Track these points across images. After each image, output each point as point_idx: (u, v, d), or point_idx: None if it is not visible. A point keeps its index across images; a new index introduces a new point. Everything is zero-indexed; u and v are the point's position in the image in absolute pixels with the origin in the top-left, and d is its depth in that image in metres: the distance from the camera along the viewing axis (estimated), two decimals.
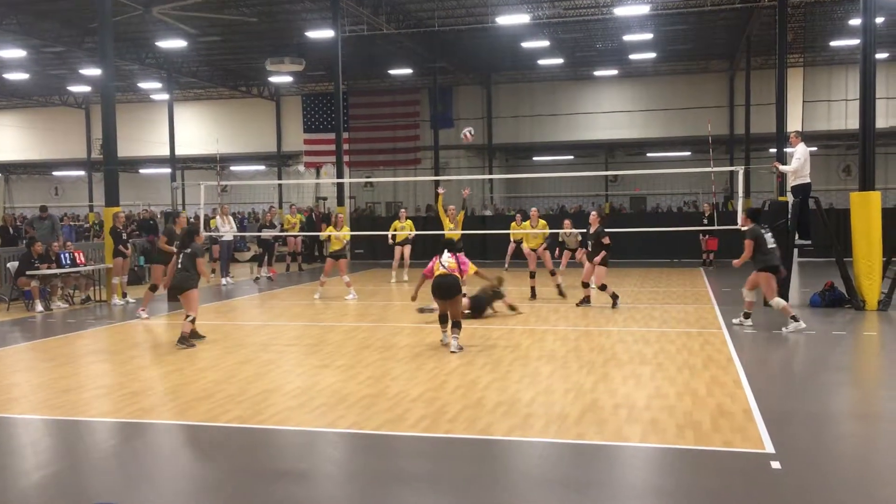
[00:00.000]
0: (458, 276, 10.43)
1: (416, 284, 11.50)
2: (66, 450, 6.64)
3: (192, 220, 26.56)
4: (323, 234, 19.63)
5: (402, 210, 20.84)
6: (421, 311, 12.99)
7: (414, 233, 19.65)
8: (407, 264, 19.65)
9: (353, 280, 16.91)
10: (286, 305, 15.65)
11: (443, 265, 10.41)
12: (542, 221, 16.19)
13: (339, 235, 16.70)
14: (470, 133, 16.65)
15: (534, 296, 15.45)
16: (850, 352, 10.64)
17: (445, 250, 10.67)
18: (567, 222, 17.38)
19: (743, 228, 12.02)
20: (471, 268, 11.07)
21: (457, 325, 10.26)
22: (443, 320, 10.56)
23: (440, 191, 16.76)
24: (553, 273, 15.82)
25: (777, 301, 11.50)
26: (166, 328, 13.12)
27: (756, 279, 11.74)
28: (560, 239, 17.50)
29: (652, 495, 5.36)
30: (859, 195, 13.74)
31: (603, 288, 14.03)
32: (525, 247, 16.19)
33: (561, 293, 15.37)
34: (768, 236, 11.71)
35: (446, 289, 10.26)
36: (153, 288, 14.25)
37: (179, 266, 11.31)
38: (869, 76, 13.62)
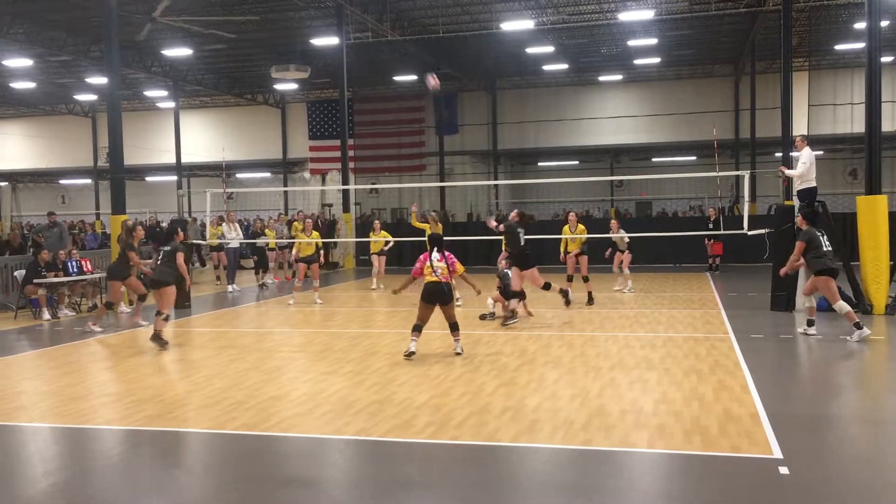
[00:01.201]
0: (450, 281, 10.14)
1: (404, 281, 10.55)
2: (73, 457, 6.65)
3: (199, 222, 26.60)
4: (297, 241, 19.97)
5: (377, 222, 20.73)
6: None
7: (392, 240, 19.55)
8: (381, 273, 19.35)
9: (358, 286, 16.92)
10: (291, 312, 15.66)
11: (435, 270, 10.02)
12: (581, 226, 15.98)
13: (310, 240, 17.05)
14: (434, 78, 16.41)
15: (567, 302, 14.52)
16: (858, 356, 10.59)
17: (435, 249, 10.20)
18: (614, 223, 17.65)
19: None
20: (458, 267, 10.49)
21: (456, 328, 10.23)
22: (418, 329, 10.03)
23: (413, 209, 16.95)
24: (570, 279, 15.63)
25: (840, 305, 11.00)
26: (172, 336, 13.14)
27: (814, 284, 11.14)
28: (614, 241, 17.73)
29: (659, 501, 5.34)
30: (866, 199, 13.71)
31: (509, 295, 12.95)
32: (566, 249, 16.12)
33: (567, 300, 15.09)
34: (824, 239, 11.18)
35: (440, 296, 10.01)
36: (109, 305, 13.82)
37: (160, 262, 11.71)
38: (874, 79, 13.61)
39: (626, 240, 17.33)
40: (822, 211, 14.11)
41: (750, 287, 17.36)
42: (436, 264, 10.05)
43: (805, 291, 11.50)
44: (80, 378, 9.53)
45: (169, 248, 11.63)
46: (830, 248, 11.20)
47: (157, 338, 11.22)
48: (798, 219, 11.80)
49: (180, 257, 11.53)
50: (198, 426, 7.26)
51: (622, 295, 16.77)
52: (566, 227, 16.03)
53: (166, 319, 11.44)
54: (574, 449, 6.33)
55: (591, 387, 8.33)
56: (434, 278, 9.99)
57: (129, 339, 12.64)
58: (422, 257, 10.23)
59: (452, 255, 10.37)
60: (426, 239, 10.78)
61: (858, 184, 31.59)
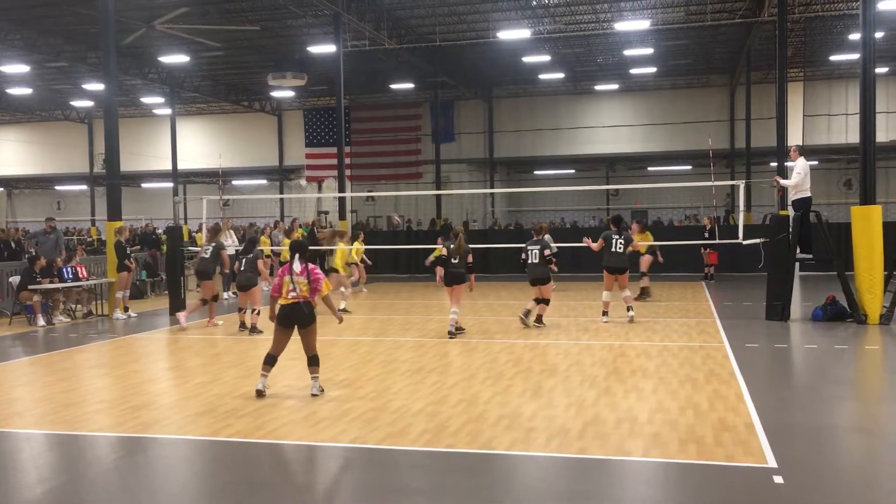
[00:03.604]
0: (311, 300, 8.44)
1: (269, 307, 8.98)
2: (67, 464, 6.63)
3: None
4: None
5: (360, 233, 21.60)
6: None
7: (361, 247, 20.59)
8: (363, 279, 20.33)
9: (351, 293, 16.93)
10: None
11: (293, 287, 8.36)
12: (647, 234, 18.02)
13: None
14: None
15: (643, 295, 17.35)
16: (853, 366, 10.63)
17: (296, 257, 8.48)
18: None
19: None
20: (325, 286, 8.57)
21: (314, 362, 8.54)
22: (270, 361, 8.55)
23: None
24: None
25: (605, 294, 13.99)
26: (167, 342, 13.14)
27: (606, 278, 13.95)
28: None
29: None
30: (860, 209, 13.75)
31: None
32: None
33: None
34: (618, 241, 13.65)
35: (299, 318, 8.38)
36: (214, 298, 14.66)
37: (244, 268, 13.35)
38: (869, 90, 13.66)
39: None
40: (817, 220, 14.20)
41: (745, 296, 17.40)
42: (295, 279, 8.38)
43: (605, 288, 14.02)
44: (75, 385, 9.51)
45: (252, 255, 13.43)
46: (619, 250, 13.70)
47: (253, 329, 13.14)
48: (607, 217, 13.82)
49: (261, 263, 13.63)
50: (192, 433, 7.25)
51: (617, 302, 16.80)
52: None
53: (258, 314, 13.19)
54: (569, 457, 6.34)
55: (587, 395, 8.33)
56: (292, 298, 8.38)
57: (125, 346, 12.62)
58: (281, 271, 8.60)
59: (319, 270, 8.60)
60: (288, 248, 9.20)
61: (853, 194, 31.70)
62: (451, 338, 12.36)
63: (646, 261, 17.68)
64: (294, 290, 8.35)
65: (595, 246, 13.97)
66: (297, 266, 8.41)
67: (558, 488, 5.80)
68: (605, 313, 14.00)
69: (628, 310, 13.92)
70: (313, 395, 8.42)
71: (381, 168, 38.86)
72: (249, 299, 13.41)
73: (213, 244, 14.56)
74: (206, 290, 14.32)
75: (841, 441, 6.93)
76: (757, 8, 24.51)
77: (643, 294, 17.24)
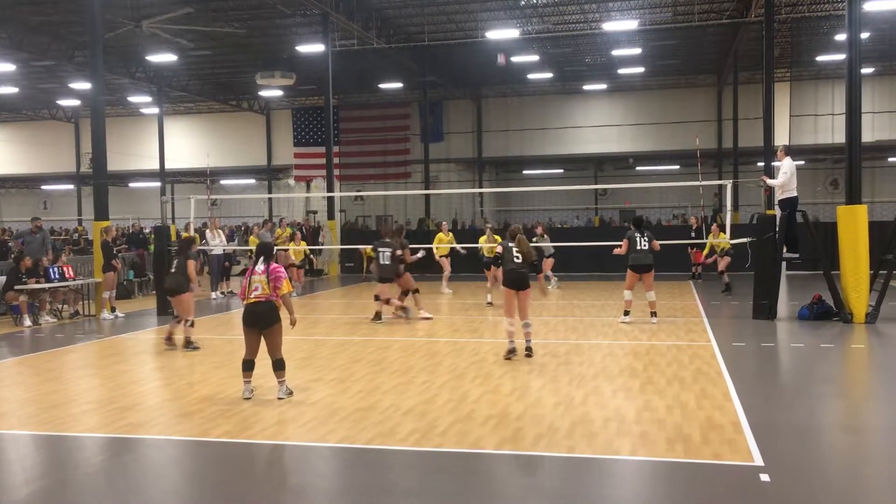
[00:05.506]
0: (274, 299, 8.40)
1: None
2: (54, 465, 6.60)
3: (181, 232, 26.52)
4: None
5: (444, 223, 21.47)
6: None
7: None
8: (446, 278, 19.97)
9: (343, 293, 16.90)
10: None
11: (255, 287, 8.38)
12: (723, 235, 18.21)
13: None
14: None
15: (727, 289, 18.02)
16: (839, 364, 10.70)
17: (260, 259, 8.57)
18: (540, 229, 19.88)
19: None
20: (285, 285, 8.50)
21: (281, 365, 8.45)
22: (248, 367, 8.47)
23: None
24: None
25: (626, 293, 13.70)
26: (156, 343, 13.08)
27: (629, 276, 13.65)
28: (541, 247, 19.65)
29: None
30: (846, 209, 13.85)
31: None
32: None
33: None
34: (641, 239, 13.37)
35: (258, 317, 8.34)
36: (417, 290, 14.74)
37: (174, 271, 11.86)
38: (855, 91, 13.76)
39: (552, 248, 19.80)
40: (803, 220, 14.29)
41: (732, 295, 17.48)
42: (257, 279, 8.40)
43: (626, 287, 13.77)
44: (62, 385, 9.46)
45: (184, 256, 11.92)
46: (644, 247, 13.38)
47: (188, 344, 11.61)
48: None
49: (191, 266, 11.85)
50: (180, 434, 7.23)
51: (604, 302, 16.86)
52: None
53: (192, 325, 11.78)
54: (557, 456, 6.35)
55: (575, 394, 8.36)
56: (254, 297, 8.35)
57: (112, 346, 12.56)
58: (246, 274, 8.62)
59: (281, 270, 8.60)
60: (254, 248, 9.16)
61: (839, 193, 31.85)
62: (528, 355, 10.55)
63: (724, 261, 18.35)
64: (257, 288, 8.38)
65: (622, 249, 13.73)
66: (259, 266, 8.50)
67: (546, 487, 5.82)
68: (626, 313, 13.73)
69: (652, 315, 13.61)
70: (279, 399, 8.33)
71: (369, 168, 38.80)
72: (179, 307, 11.77)
73: (392, 247, 14.56)
74: (406, 283, 14.67)
75: (827, 439, 6.99)
76: (744, 8, 24.64)
77: (727, 289, 17.93)
